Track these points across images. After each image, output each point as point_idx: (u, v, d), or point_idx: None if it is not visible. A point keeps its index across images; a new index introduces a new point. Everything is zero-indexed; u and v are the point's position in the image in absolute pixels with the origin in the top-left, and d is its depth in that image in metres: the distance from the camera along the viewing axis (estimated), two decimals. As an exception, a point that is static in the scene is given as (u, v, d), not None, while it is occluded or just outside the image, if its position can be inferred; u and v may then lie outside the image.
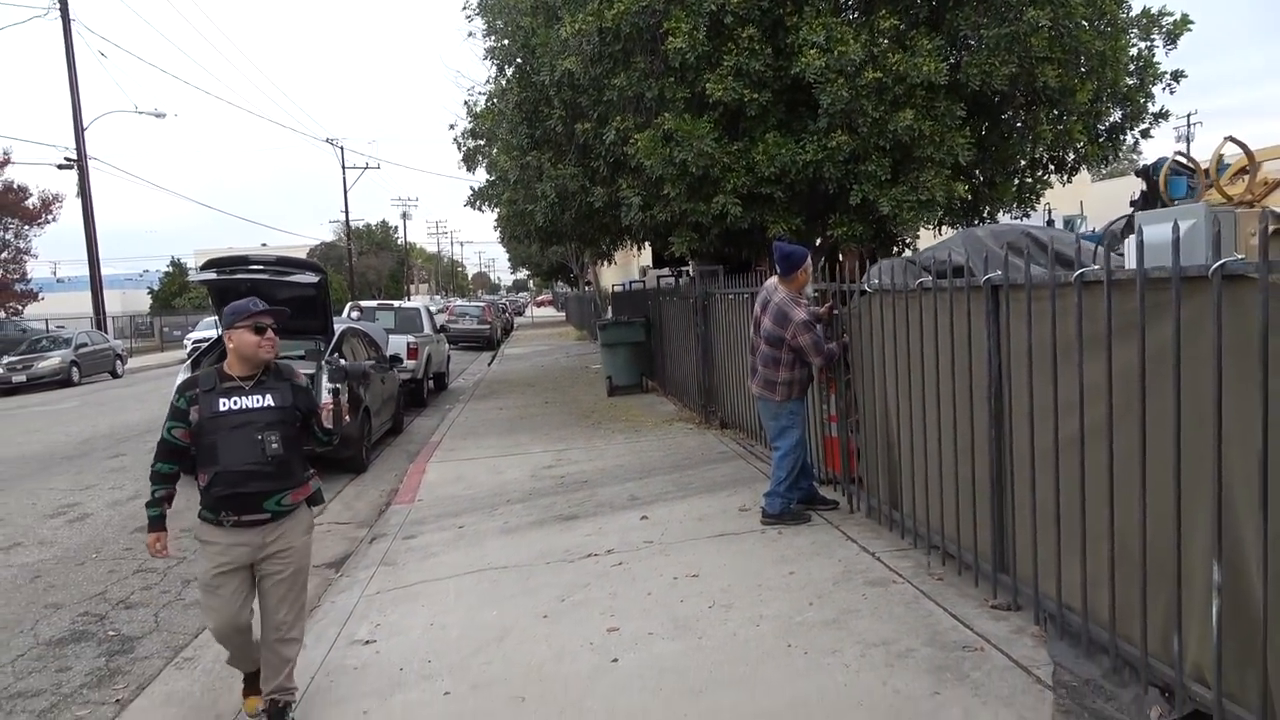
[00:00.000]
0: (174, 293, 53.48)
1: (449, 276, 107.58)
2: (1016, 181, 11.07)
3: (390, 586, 5.47)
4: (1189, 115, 50.81)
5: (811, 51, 8.65)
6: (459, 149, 16.76)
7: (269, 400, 3.54)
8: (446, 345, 19.07)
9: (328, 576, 6.01)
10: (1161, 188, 5.61)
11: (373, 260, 66.46)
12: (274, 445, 3.46)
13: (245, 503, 3.46)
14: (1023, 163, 10.92)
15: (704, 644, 4.10)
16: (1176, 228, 2.71)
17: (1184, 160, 5.95)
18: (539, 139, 11.43)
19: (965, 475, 4.21)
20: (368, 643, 4.56)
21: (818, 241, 11.02)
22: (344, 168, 46.94)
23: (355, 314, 14.52)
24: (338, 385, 3.78)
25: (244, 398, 3.50)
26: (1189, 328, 2.74)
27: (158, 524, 3.57)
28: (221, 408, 3.46)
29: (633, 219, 10.28)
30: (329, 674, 4.22)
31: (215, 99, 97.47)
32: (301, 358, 10.57)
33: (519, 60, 11.68)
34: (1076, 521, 3.33)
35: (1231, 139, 5.04)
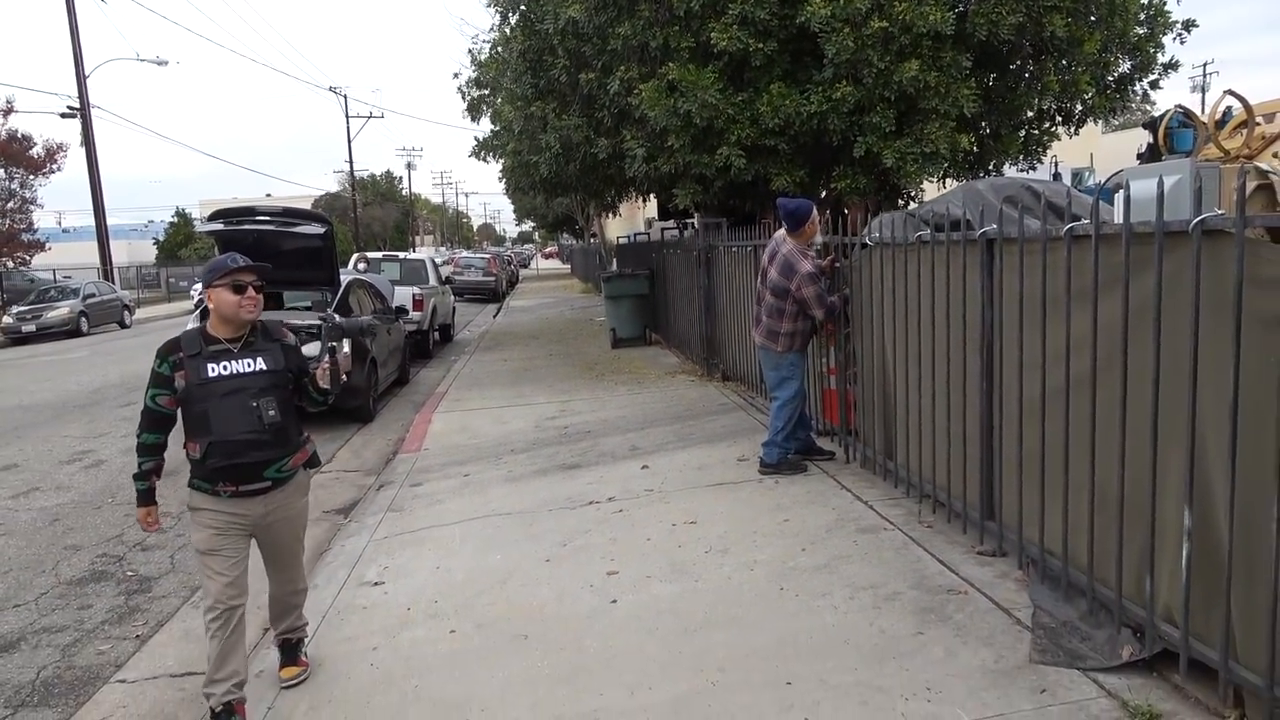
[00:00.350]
0: (179, 243, 53.42)
1: (454, 228, 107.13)
2: (1023, 133, 11.00)
3: (398, 531, 5.63)
4: (1205, 64, 49.98)
5: (817, 0, 8.57)
6: (463, 98, 16.72)
7: (261, 363, 3.34)
8: (452, 297, 19.15)
9: (336, 522, 6.18)
10: (1162, 141, 5.61)
11: (377, 211, 66.17)
12: (271, 413, 3.30)
13: (245, 473, 3.31)
14: (1029, 114, 10.83)
15: (700, 587, 4.25)
16: (1161, 183, 2.77)
17: (1185, 113, 5.95)
18: (543, 89, 11.37)
19: (957, 426, 4.32)
20: (376, 584, 4.73)
21: (821, 194, 11.01)
22: (348, 117, 46.64)
23: (362, 265, 14.56)
24: (334, 344, 3.56)
25: (233, 361, 3.30)
26: (1170, 281, 2.82)
27: (147, 498, 3.38)
28: (210, 373, 3.26)
29: (637, 170, 10.27)
30: (339, 612, 4.38)
31: (218, 46, 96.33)
32: (308, 309, 10.69)
33: (523, 7, 11.56)
34: (1060, 470, 3.44)
35: (1231, 92, 5.05)
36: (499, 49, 13.08)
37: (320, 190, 62.64)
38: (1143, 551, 3.01)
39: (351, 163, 48.73)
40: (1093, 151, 33.15)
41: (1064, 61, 9.96)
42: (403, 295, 13.88)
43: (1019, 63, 10.26)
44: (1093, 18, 9.61)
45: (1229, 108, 7.98)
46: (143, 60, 30.58)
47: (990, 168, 11.17)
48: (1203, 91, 49.38)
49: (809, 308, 5.76)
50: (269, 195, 59.08)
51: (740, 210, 12.10)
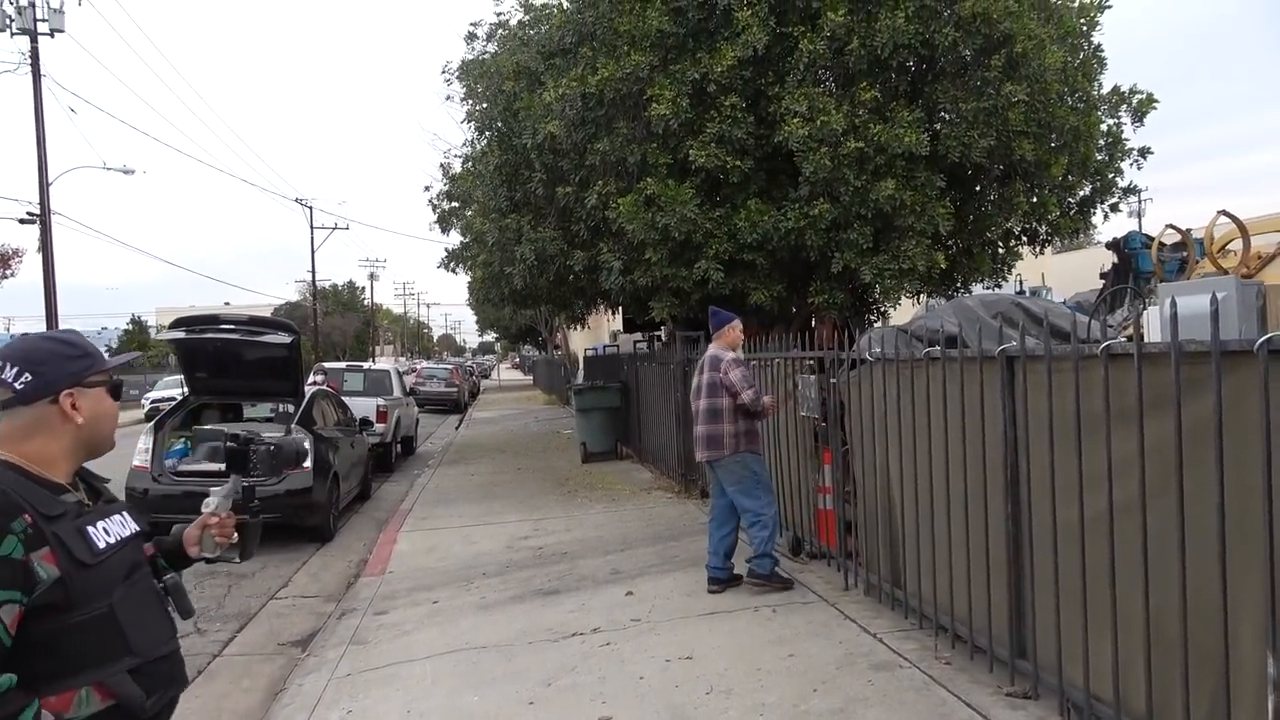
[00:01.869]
0: (134, 351, 52.42)
1: (415, 338, 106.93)
2: (989, 251, 11.19)
3: (362, 668, 5.13)
4: (1139, 191, 52.52)
5: (794, 121, 8.72)
6: (434, 211, 16.73)
7: (131, 521, 1.95)
8: (416, 409, 18.71)
9: (294, 656, 5.65)
10: (1153, 261, 5.62)
11: (338, 320, 65.84)
12: (187, 600, 2.02)
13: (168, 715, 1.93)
14: (996, 233, 11.05)
15: (705, 735, 3.84)
16: (1215, 300, 2.61)
17: (1177, 231, 6.00)
18: (518, 201, 11.38)
19: (978, 552, 4.04)
20: (339, 732, 4.24)
21: (794, 309, 11.00)
22: (312, 228, 46.66)
23: (319, 377, 14.05)
24: (241, 487, 2.22)
25: (105, 521, 1.86)
26: (1230, 402, 2.63)
27: None
28: (99, 543, 1.79)
29: (613, 283, 10.19)
30: (297, 768, 3.88)
31: (185, 156, 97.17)
32: (269, 420, 10.23)
33: (499, 124, 11.68)
34: (1106, 604, 3.16)
35: (1224, 213, 5.08)
36: (474, 163, 13.14)
37: (280, 299, 62.25)
38: (1214, 700, 2.72)
39: (314, 273, 48.40)
40: (1044, 271, 34.22)
41: (1030, 184, 10.23)
42: (366, 407, 13.44)
43: (986, 184, 10.52)
44: (1056, 143, 9.92)
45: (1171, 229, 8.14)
46: (109, 169, 30.44)
47: (959, 284, 11.32)
48: (1139, 217, 51.69)
49: (736, 389, 5.71)
50: (228, 304, 58.53)
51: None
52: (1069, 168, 10.19)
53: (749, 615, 5.40)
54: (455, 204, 16.31)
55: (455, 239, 16.90)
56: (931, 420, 4.41)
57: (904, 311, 12.87)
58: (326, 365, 18.31)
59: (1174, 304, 2.76)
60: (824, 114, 8.63)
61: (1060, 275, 32.37)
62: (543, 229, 10.91)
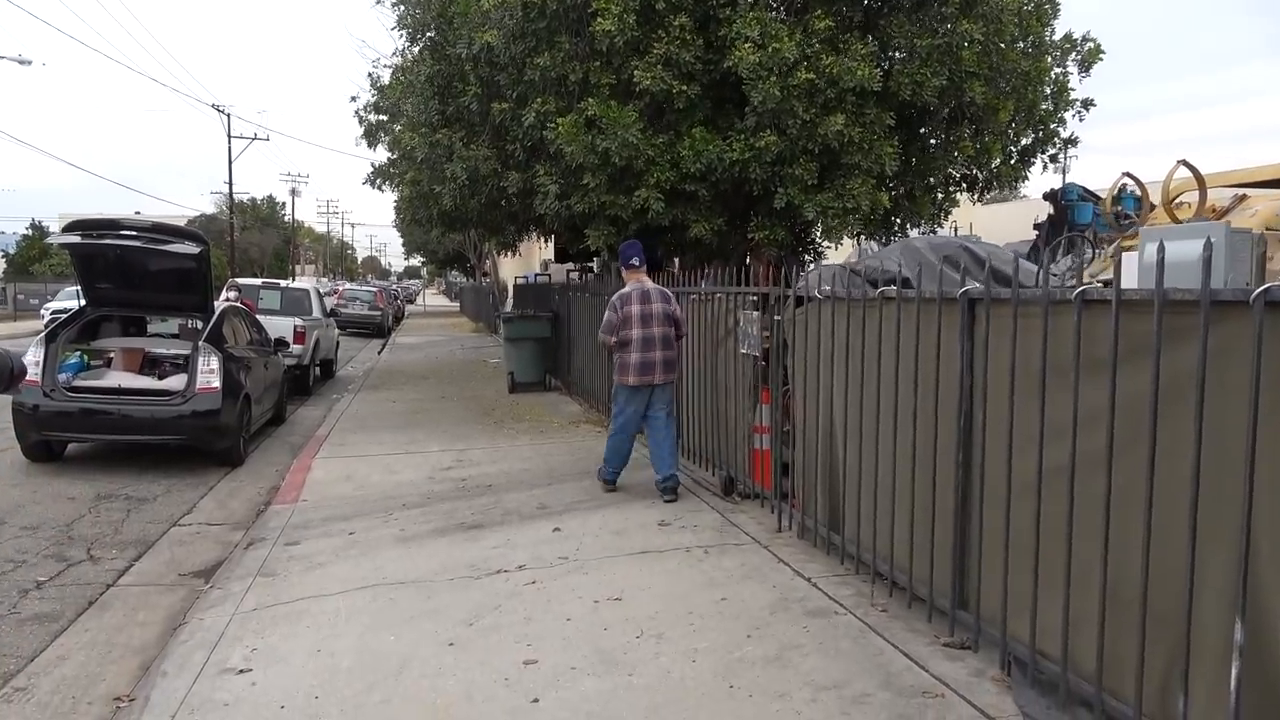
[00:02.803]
0: (32, 258, 49.54)
1: (338, 259, 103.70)
2: (931, 196, 11.08)
3: (269, 602, 4.81)
4: (1076, 143, 53.57)
5: (745, 46, 8.34)
6: (360, 123, 15.83)
7: None
8: (336, 331, 18.02)
9: (196, 588, 5.30)
10: (1107, 208, 5.50)
11: (256, 237, 63.23)
12: None
13: None
14: (939, 178, 10.93)
15: (635, 682, 3.67)
16: (1209, 245, 2.43)
17: (1133, 180, 5.89)
18: (450, 116, 10.76)
19: (924, 499, 3.91)
20: (242, 672, 3.94)
21: (732, 245, 10.75)
22: (230, 136, 44.22)
23: (232, 294, 13.26)
24: None
25: None
26: (1215, 357, 2.47)
27: None
28: None
29: (548, 208, 9.77)
30: (193, 711, 3.58)
31: (91, 50, 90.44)
32: (175, 337, 9.63)
33: (432, 32, 10.97)
34: (1060, 559, 3.05)
35: (1184, 163, 4.97)
36: (404, 74, 12.37)
37: (195, 211, 59.43)
38: (1171, 663, 2.63)
39: (231, 184, 46.03)
40: (970, 221, 34.67)
41: (976, 129, 10.09)
42: (283, 327, 12.80)
43: (933, 126, 10.34)
44: (1006, 88, 9.76)
45: (1124, 185, 8.11)
46: (3, 58, 28.09)
47: (898, 227, 11.21)
48: (1064, 173, 52.89)
49: (681, 327, 6.78)
50: (138, 213, 55.45)
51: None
52: (1015, 113, 10.08)
53: (680, 556, 5.25)
54: (383, 117, 15.46)
55: (382, 155, 16.10)
56: (882, 362, 4.23)
57: (842, 252, 12.76)
58: (240, 281, 17.42)
59: (1161, 248, 2.57)
60: (776, 41, 8.28)
61: (988, 226, 32.76)
62: (476, 147, 10.36)
